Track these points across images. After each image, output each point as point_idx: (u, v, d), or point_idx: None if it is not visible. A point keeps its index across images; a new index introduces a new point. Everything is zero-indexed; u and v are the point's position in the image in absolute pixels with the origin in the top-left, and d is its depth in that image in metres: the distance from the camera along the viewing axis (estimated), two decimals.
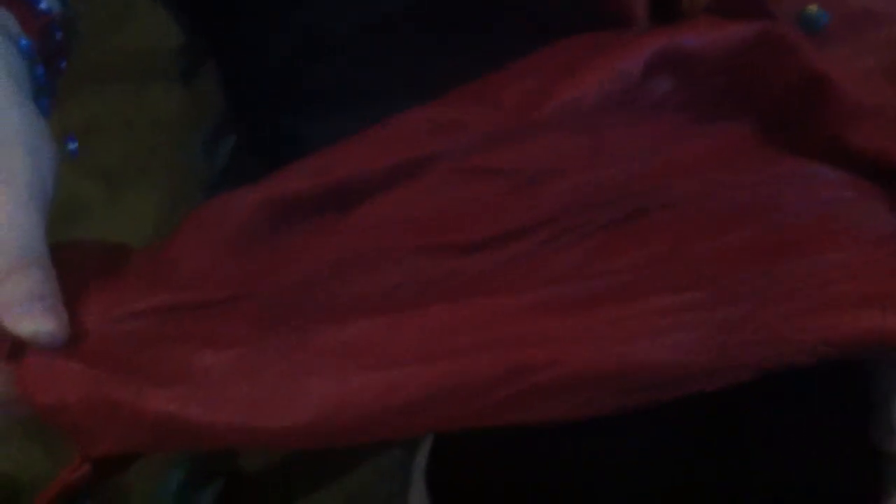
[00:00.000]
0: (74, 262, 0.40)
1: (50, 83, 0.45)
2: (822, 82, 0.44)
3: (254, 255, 0.42)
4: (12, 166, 0.38)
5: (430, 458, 0.55)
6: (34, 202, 0.38)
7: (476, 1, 0.54)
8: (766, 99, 0.46)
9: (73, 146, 0.46)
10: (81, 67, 0.50)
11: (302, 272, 0.41)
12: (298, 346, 0.38)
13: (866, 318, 0.39)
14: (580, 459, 0.49)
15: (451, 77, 0.46)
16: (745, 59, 0.46)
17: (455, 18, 0.54)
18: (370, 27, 0.55)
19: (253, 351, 0.38)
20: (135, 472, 0.41)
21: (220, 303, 0.40)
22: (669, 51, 0.46)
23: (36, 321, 0.37)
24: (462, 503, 0.54)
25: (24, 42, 0.43)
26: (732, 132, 0.45)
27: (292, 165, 0.44)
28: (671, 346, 0.38)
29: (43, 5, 0.45)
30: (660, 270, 0.40)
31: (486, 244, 0.42)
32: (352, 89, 0.57)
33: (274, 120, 0.61)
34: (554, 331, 0.38)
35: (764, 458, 0.48)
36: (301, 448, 0.42)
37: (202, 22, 0.62)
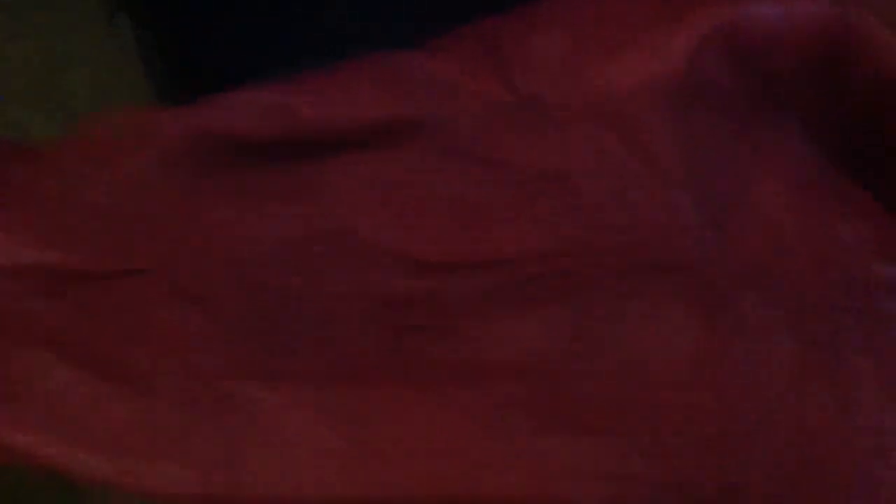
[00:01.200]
0: None
1: None
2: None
3: (167, 213, 0.32)
4: None
5: None
6: None
7: None
8: (839, 109, 0.36)
9: None
10: None
11: (230, 256, 0.31)
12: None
13: None
14: None
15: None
16: (823, 52, 0.35)
17: None
18: None
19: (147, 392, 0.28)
20: None
21: (106, 277, 0.29)
22: (731, 27, 0.36)
23: None
24: None
25: None
26: (803, 167, 0.36)
27: (241, 92, 0.33)
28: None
29: None
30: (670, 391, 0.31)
31: (447, 267, 0.32)
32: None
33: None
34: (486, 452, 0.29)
35: None
36: None
37: None
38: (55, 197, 0.30)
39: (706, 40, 0.35)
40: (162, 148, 0.32)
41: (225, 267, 0.30)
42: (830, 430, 0.30)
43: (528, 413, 0.30)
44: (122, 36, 0.48)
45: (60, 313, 0.28)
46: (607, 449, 0.29)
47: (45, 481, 0.35)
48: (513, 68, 0.34)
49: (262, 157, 0.32)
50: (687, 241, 0.33)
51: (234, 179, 0.32)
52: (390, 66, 0.34)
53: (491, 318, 0.31)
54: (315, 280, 0.31)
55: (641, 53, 0.35)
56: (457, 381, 0.30)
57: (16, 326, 0.28)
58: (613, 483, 0.29)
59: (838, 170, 0.36)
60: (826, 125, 0.36)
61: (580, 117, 0.34)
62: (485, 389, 0.30)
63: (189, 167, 0.32)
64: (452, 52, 0.35)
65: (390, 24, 0.39)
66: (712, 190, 0.34)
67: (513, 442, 0.29)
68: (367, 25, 0.39)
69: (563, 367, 0.31)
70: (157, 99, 0.46)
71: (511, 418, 0.29)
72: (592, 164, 0.33)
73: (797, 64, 0.36)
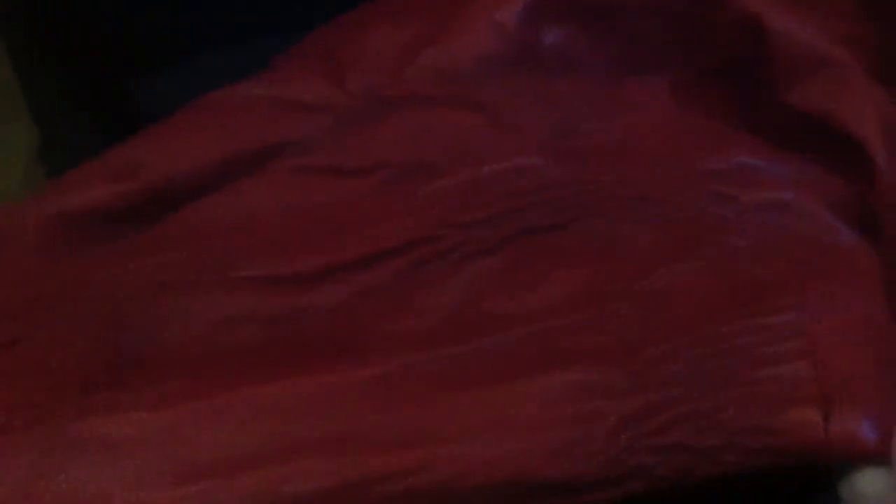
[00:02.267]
0: None
1: None
2: (758, 28, 0.35)
3: (44, 285, 0.32)
4: None
5: None
6: None
7: None
8: (706, 50, 0.37)
9: None
10: None
11: (98, 308, 0.31)
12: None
13: (797, 421, 0.30)
14: None
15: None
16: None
17: None
18: None
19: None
20: None
21: None
22: None
23: None
24: None
25: None
26: (667, 97, 0.36)
27: (91, 164, 0.34)
28: (561, 451, 0.29)
29: None
30: (566, 326, 0.31)
31: (332, 273, 0.32)
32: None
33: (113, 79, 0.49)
34: (413, 422, 0.30)
35: None
36: None
37: None
38: None
39: (543, 3, 0.36)
40: (31, 238, 0.33)
41: (89, 314, 0.31)
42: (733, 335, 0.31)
43: (422, 379, 0.30)
44: None
45: None
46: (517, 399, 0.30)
47: None
48: (344, 70, 0.34)
49: (123, 220, 0.33)
50: (556, 197, 0.33)
51: (103, 247, 0.33)
52: (233, 101, 0.34)
53: (382, 303, 0.32)
54: (190, 309, 0.31)
55: (479, 26, 0.35)
56: (347, 361, 0.30)
57: None
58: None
59: (705, 107, 0.36)
60: (691, 68, 0.37)
61: (427, 101, 0.34)
62: (376, 364, 0.30)
63: (62, 246, 0.33)
64: (294, 68, 0.35)
65: None
66: (577, 143, 0.34)
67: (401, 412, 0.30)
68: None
69: (456, 335, 0.31)
70: None
71: (402, 387, 0.30)
72: (452, 143, 0.34)
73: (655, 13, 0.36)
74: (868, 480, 0.31)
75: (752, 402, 0.30)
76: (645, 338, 0.31)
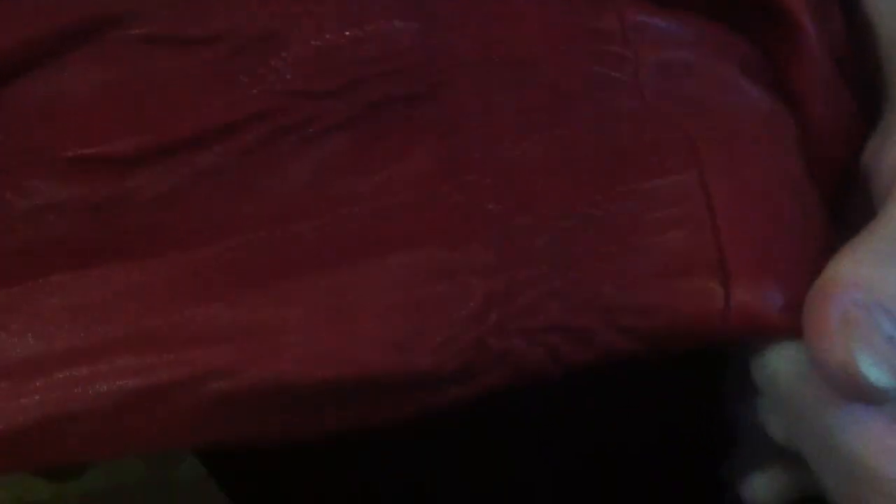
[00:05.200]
0: None
1: None
2: None
3: None
4: None
5: None
6: None
7: None
8: None
9: None
10: None
11: None
12: None
13: (691, 293, 0.26)
14: None
15: None
16: None
17: None
18: None
19: None
20: None
21: None
22: None
23: None
24: None
25: None
26: None
27: None
28: (410, 340, 0.26)
29: None
30: (418, 202, 0.27)
31: (166, 154, 0.28)
32: None
33: None
34: (236, 313, 0.26)
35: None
36: None
37: None
38: None
39: None
40: None
41: None
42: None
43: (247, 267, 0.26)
44: None
45: None
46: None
47: None
48: None
49: None
50: (411, 64, 0.29)
51: None
52: None
53: (216, 187, 0.28)
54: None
55: None
56: (169, 250, 0.27)
57: None
58: None
59: None
60: None
61: None
62: (198, 252, 0.27)
63: None
64: None
65: None
66: (433, 4, 0.30)
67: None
68: None
69: (291, 216, 0.27)
70: None
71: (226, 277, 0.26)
72: (296, 9, 0.30)
73: None
74: (781, 358, 0.26)
75: (633, 274, 0.26)
76: (506, 210, 0.27)
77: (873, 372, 0.24)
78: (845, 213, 0.29)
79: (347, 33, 0.29)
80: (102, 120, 0.29)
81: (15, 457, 0.26)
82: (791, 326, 0.26)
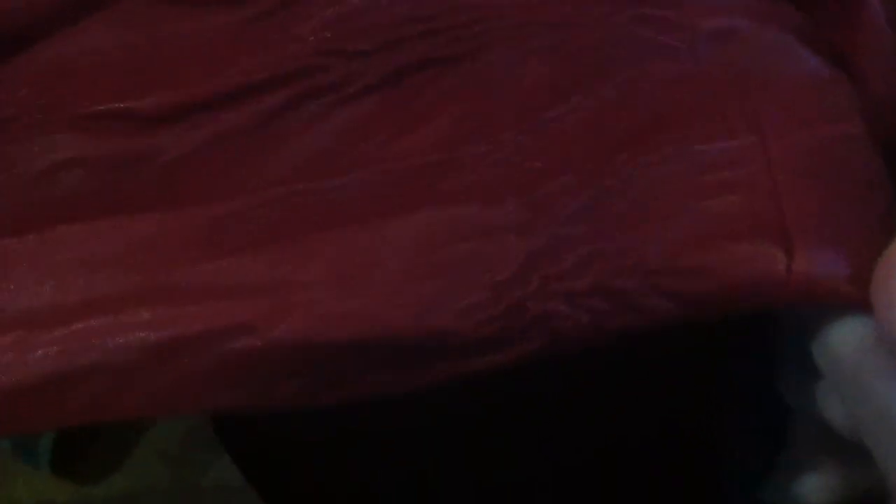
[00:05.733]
0: None
1: None
2: None
3: None
4: None
5: None
6: None
7: None
8: None
9: None
10: None
11: None
12: None
13: (749, 258, 0.24)
14: None
15: None
16: None
17: None
18: None
19: None
20: None
21: None
22: None
23: None
24: None
25: None
26: None
27: None
28: (441, 301, 0.24)
29: None
30: (452, 159, 0.26)
31: (192, 112, 0.27)
32: None
33: None
34: (259, 269, 0.25)
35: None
36: None
37: None
38: None
39: None
40: None
41: None
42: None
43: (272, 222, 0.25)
44: None
45: None
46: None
47: None
48: None
49: None
50: (449, 25, 0.28)
51: None
52: None
53: (241, 147, 0.27)
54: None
55: None
56: (187, 204, 0.26)
57: None
58: None
59: None
60: None
61: None
62: (220, 207, 0.26)
63: None
64: None
65: None
66: None
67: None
68: None
69: (318, 173, 0.26)
70: None
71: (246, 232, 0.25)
72: None
73: None
74: (845, 331, 0.24)
75: (680, 237, 0.24)
76: (545, 167, 0.25)
77: None
78: None
79: None
80: (125, 77, 0.28)
81: (29, 412, 0.25)
82: (856, 297, 0.24)
